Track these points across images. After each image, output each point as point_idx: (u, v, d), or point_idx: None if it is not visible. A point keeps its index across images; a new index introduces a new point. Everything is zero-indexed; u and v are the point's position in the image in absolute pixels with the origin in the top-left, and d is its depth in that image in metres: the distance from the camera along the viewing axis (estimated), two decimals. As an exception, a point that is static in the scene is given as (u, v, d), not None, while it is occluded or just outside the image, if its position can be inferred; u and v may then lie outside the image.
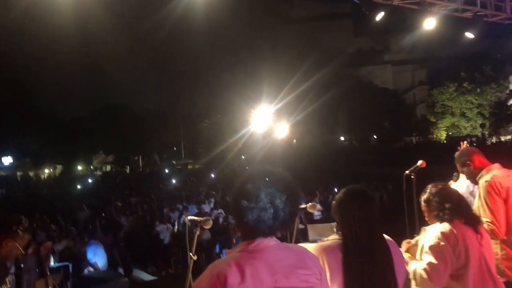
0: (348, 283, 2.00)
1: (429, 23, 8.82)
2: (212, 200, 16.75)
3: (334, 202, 2.30)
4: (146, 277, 10.11)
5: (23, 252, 2.94)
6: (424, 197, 2.83)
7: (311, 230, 6.70)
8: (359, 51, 53.06)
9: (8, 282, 2.88)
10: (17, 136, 36.80)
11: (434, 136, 41.13)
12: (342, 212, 2.20)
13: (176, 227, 12.45)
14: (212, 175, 29.17)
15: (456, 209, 2.65)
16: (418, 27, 8.95)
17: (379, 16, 7.98)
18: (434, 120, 40.84)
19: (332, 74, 39.98)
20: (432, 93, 41.61)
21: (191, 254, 2.36)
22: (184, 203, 16.01)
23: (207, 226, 2.39)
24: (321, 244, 2.15)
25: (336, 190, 17.25)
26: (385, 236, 2.20)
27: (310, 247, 2.06)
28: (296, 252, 1.77)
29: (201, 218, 2.37)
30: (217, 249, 10.47)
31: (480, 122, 39.13)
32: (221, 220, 12.50)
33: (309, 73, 36.09)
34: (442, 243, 2.53)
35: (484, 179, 3.51)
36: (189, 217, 2.50)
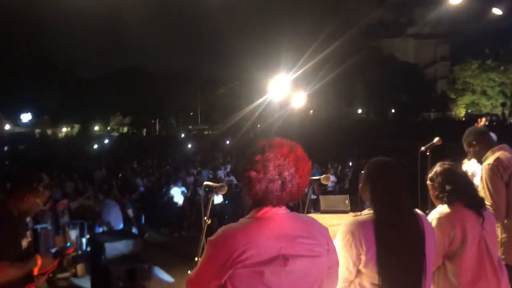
0: (381, 257, 2.01)
1: (457, -3, 8.51)
2: (229, 166, 16.90)
3: (361, 176, 2.26)
4: (159, 238, 10.35)
5: (43, 208, 3.06)
6: (429, 175, 2.78)
7: (323, 201, 6.75)
8: (381, 22, 51.84)
9: (28, 236, 2.99)
10: (35, 93, 37.23)
11: (453, 113, 40.52)
12: (372, 185, 2.16)
13: (190, 190, 12.64)
14: (227, 142, 29.31)
15: (458, 192, 2.60)
16: (442, 1, 8.66)
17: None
18: (454, 97, 40.13)
19: (352, 44, 39.29)
20: (453, 69, 40.75)
21: (205, 218, 2.42)
22: (198, 167, 16.20)
23: (222, 192, 2.43)
24: (355, 218, 2.15)
25: (350, 163, 17.25)
26: (417, 210, 2.18)
27: (344, 221, 2.13)
28: (304, 222, 1.80)
29: (216, 184, 2.42)
30: (229, 214, 10.63)
31: (501, 101, 38.31)
32: (233, 186, 12.65)
33: (328, 42, 35.42)
34: (433, 224, 2.51)
35: (487, 161, 3.42)
36: (205, 183, 2.55)
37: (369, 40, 45.42)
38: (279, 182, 1.69)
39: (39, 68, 36.54)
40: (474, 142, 3.62)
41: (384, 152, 19.34)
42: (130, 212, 9.92)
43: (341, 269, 2.04)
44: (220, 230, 1.71)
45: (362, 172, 2.27)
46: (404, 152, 16.42)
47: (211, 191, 2.42)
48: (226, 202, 10.99)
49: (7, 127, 39.24)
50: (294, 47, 36.27)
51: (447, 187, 2.62)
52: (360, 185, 2.27)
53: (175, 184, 12.21)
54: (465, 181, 2.72)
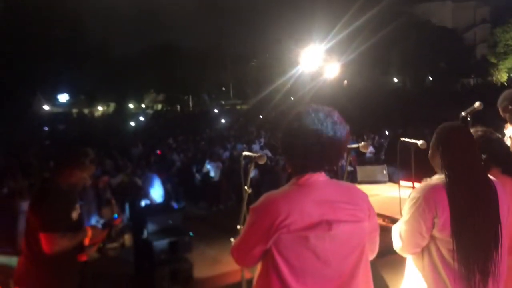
0: (455, 220, 1.99)
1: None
2: (262, 140, 16.92)
3: (432, 141, 2.23)
4: (198, 211, 10.55)
5: (90, 181, 3.23)
6: None
7: (361, 172, 6.69)
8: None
9: (78, 209, 3.13)
10: (71, 73, 38.13)
11: (494, 78, 38.97)
12: (444, 149, 2.13)
13: (225, 165, 12.74)
14: (261, 116, 29.28)
15: (494, 158, 2.54)
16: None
17: None
18: (495, 61, 38.54)
19: (387, 11, 38.01)
20: (494, 32, 39.02)
21: (245, 187, 2.44)
22: (232, 142, 16.29)
23: (262, 162, 2.44)
24: (426, 183, 2.13)
25: (387, 133, 16.94)
26: (491, 177, 2.14)
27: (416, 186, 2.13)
28: (345, 188, 1.84)
29: (255, 154, 2.42)
30: (265, 188, 10.68)
31: (545, 63, 36.59)
32: (268, 161, 12.66)
33: (362, 10, 34.38)
34: None
35: None
36: (244, 153, 2.57)
37: (405, 6, 43.83)
38: (318, 147, 1.70)
39: (74, 48, 37.25)
40: (510, 107, 3.51)
41: (422, 121, 18.93)
42: (168, 187, 10.12)
43: (414, 234, 2.08)
44: (262, 197, 1.74)
45: (433, 138, 2.23)
46: (443, 120, 15.96)
47: (250, 161, 2.42)
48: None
49: (46, 107, 40.45)
50: (327, 16, 35.43)
51: (483, 154, 2.50)
52: (430, 151, 2.25)
53: (211, 159, 12.33)
54: (501, 147, 2.66)
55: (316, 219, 1.68)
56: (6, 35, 30.96)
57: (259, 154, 2.44)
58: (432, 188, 2.07)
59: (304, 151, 1.72)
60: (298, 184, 1.75)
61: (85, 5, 41.70)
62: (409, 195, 2.16)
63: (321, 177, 1.77)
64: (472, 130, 2.65)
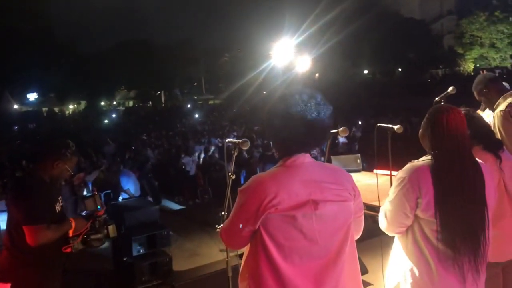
0: (438, 201, 2.01)
1: None
2: (235, 134, 16.95)
3: (423, 122, 2.26)
4: (174, 206, 10.52)
5: (72, 173, 3.21)
6: None
7: (335, 161, 6.80)
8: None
9: (60, 201, 3.12)
10: (40, 71, 37.21)
11: (462, 68, 39.93)
12: (434, 131, 2.15)
13: (201, 159, 12.74)
14: (234, 110, 29.27)
15: (476, 136, 2.59)
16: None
17: None
18: (462, 52, 39.43)
19: (356, 4, 38.44)
20: (460, 23, 39.87)
21: (229, 174, 2.48)
22: (206, 137, 16.27)
23: (245, 147, 2.49)
24: (411, 164, 2.16)
25: (360, 122, 17.22)
26: (477, 159, 2.17)
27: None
28: (330, 169, 1.88)
29: (239, 140, 2.46)
30: (242, 180, 10.73)
31: (511, 53, 37.61)
32: (244, 153, 12.72)
33: (332, 3, 34.75)
34: None
35: (499, 108, 3.39)
36: (228, 139, 2.61)
37: (373, -1, 44.40)
38: (303, 128, 1.74)
39: (43, 45, 36.35)
40: (485, 90, 3.59)
41: (393, 111, 19.33)
42: (144, 182, 10.07)
43: (398, 213, 2.12)
44: (250, 179, 1.78)
45: (424, 119, 2.24)
46: (413, 110, 16.35)
47: (234, 147, 2.47)
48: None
49: (15, 106, 39.41)
50: (297, 11, 35.61)
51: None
52: (420, 131, 2.27)
53: (186, 153, 12.30)
54: (483, 125, 2.73)
55: (303, 198, 1.71)
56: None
57: (243, 139, 2.47)
58: (417, 169, 2.10)
59: (289, 132, 1.75)
60: (285, 165, 1.79)
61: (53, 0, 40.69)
62: (396, 176, 2.19)
63: (307, 158, 1.81)
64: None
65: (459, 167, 2.06)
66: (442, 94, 3.82)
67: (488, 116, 3.91)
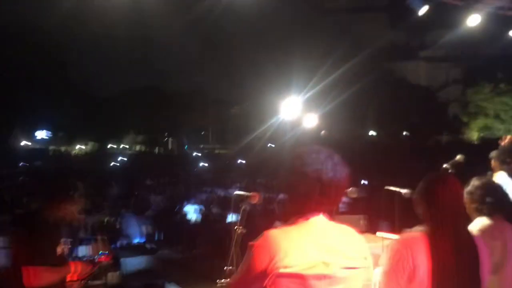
0: (436, 274, 1.99)
1: (472, 21, 8.55)
2: (238, 185, 16.95)
3: (418, 190, 2.23)
4: (173, 255, 10.37)
5: (77, 216, 3.16)
6: (467, 189, 2.76)
7: (338, 221, 6.77)
8: (393, 45, 51.96)
9: (63, 243, 3.08)
10: (51, 110, 37.75)
11: (466, 136, 40.18)
12: (424, 197, 2.15)
13: (203, 208, 12.70)
14: (239, 161, 29.34)
15: (498, 204, 2.62)
16: (457, 24, 8.69)
17: (423, 10, 7.75)
18: (467, 120, 39.83)
19: (363, 66, 39.37)
20: (466, 92, 40.53)
21: (236, 227, 2.46)
22: (210, 186, 16.28)
23: (254, 201, 2.47)
24: (406, 234, 2.14)
25: (365, 182, 17.19)
26: (474, 229, 2.22)
27: (394, 238, 2.13)
28: (344, 230, 1.85)
29: (248, 193, 2.46)
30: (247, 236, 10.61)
31: (515, 125, 37.94)
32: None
33: (339, 64, 35.57)
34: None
35: None
36: (236, 192, 2.59)
37: (381, 62, 45.52)
38: (319, 186, 1.74)
39: (55, 85, 37.14)
40: (508, 160, 3.75)
41: (396, 174, 19.28)
42: (145, 228, 10.01)
43: (391, 285, 2.06)
44: (262, 234, 1.76)
45: (419, 186, 2.22)
46: (417, 174, 16.33)
47: (242, 200, 2.47)
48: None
49: (23, 143, 39.75)
50: (306, 69, 36.49)
51: (488, 199, 2.64)
52: (414, 196, 2.25)
53: (189, 202, 12.28)
54: (504, 194, 2.77)
55: (314, 259, 1.68)
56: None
57: (252, 193, 2.46)
58: (411, 239, 2.07)
59: (305, 190, 1.74)
60: (299, 223, 1.77)
61: (69, 42, 41.92)
62: (388, 245, 2.21)
63: (321, 218, 1.79)
64: (476, 177, 2.78)
65: (457, 241, 2.04)
66: (450, 162, 3.86)
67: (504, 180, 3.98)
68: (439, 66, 54.08)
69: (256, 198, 2.45)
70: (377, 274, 2.16)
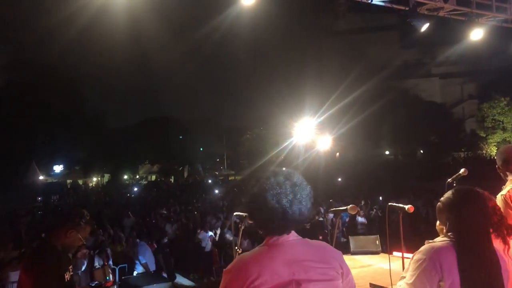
0: (465, 283, 1.98)
1: (476, 34, 8.63)
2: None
3: (441, 202, 2.24)
4: (189, 283, 10.31)
5: (84, 243, 3.23)
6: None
7: (353, 242, 6.65)
8: (405, 64, 52.05)
9: (71, 270, 3.13)
10: (67, 144, 38.45)
11: (484, 151, 39.62)
12: (453, 211, 2.14)
13: (217, 235, 12.63)
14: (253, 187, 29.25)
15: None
16: (466, 39, 8.77)
17: (425, 27, 7.87)
18: (484, 135, 39.34)
19: (377, 86, 39.43)
20: (482, 107, 40.15)
21: (236, 248, 2.47)
22: (225, 213, 16.22)
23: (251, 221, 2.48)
24: (431, 244, 2.13)
25: (381, 200, 16.97)
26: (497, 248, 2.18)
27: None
28: (315, 247, 1.84)
29: (246, 214, 2.47)
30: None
31: (534, 138, 37.34)
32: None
33: (353, 85, 35.70)
34: None
35: (502, 191, 3.36)
36: (235, 212, 2.60)
37: (394, 81, 45.54)
38: (280, 210, 1.75)
39: (71, 119, 37.88)
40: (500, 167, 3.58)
41: (414, 193, 19.04)
42: (161, 257, 9.99)
43: None
44: (234, 260, 1.81)
45: (442, 200, 2.23)
46: (435, 192, 16.10)
47: (241, 220, 2.48)
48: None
49: (41, 177, 40.37)
50: (319, 91, 36.71)
51: None
52: (441, 206, 2.25)
53: (203, 229, 12.23)
54: (493, 209, 2.67)
55: (286, 278, 1.69)
56: (5, 106, 31.54)
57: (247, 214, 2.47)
58: (439, 250, 2.05)
59: (266, 214, 1.76)
60: (268, 244, 1.79)
61: (83, 77, 42.91)
62: (412, 257, 2.14)
63: (290, 236, 1.80)
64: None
65: (483, 253, 2.04)
66: (454, 176, 3.84)
67: None
68: (452, 82, 53.92)
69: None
70: (401, 286, 2.14)
